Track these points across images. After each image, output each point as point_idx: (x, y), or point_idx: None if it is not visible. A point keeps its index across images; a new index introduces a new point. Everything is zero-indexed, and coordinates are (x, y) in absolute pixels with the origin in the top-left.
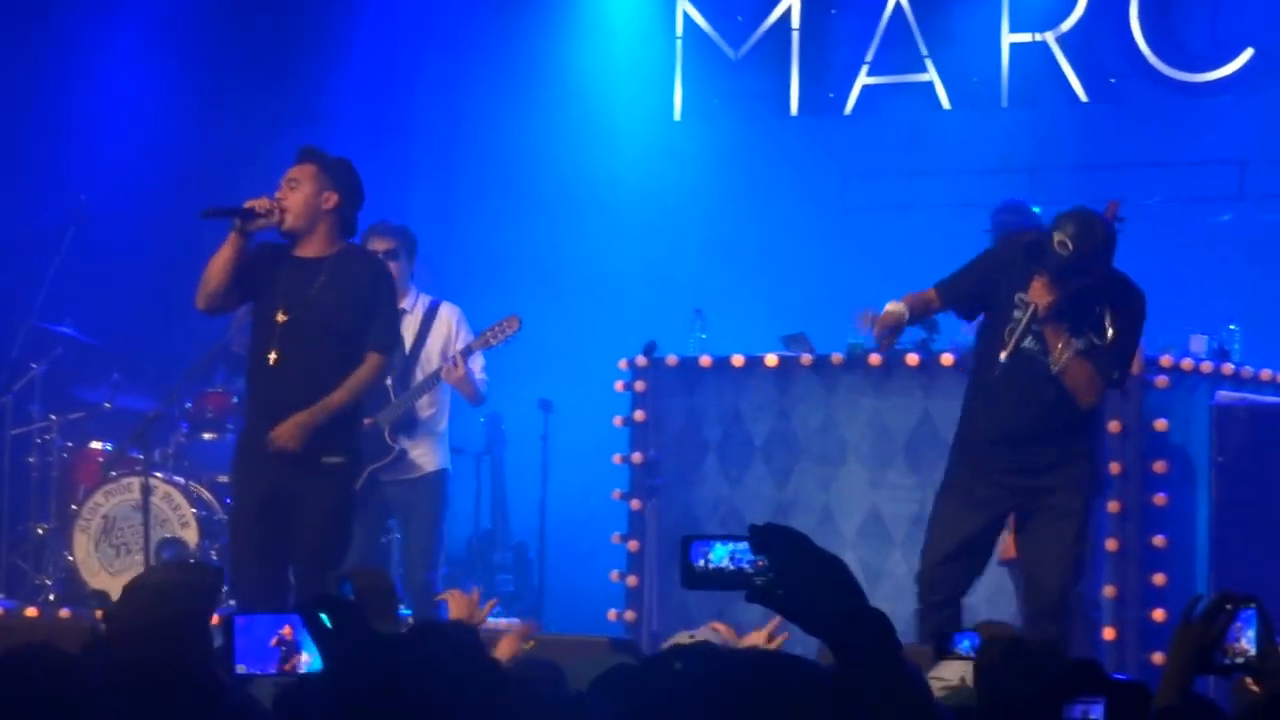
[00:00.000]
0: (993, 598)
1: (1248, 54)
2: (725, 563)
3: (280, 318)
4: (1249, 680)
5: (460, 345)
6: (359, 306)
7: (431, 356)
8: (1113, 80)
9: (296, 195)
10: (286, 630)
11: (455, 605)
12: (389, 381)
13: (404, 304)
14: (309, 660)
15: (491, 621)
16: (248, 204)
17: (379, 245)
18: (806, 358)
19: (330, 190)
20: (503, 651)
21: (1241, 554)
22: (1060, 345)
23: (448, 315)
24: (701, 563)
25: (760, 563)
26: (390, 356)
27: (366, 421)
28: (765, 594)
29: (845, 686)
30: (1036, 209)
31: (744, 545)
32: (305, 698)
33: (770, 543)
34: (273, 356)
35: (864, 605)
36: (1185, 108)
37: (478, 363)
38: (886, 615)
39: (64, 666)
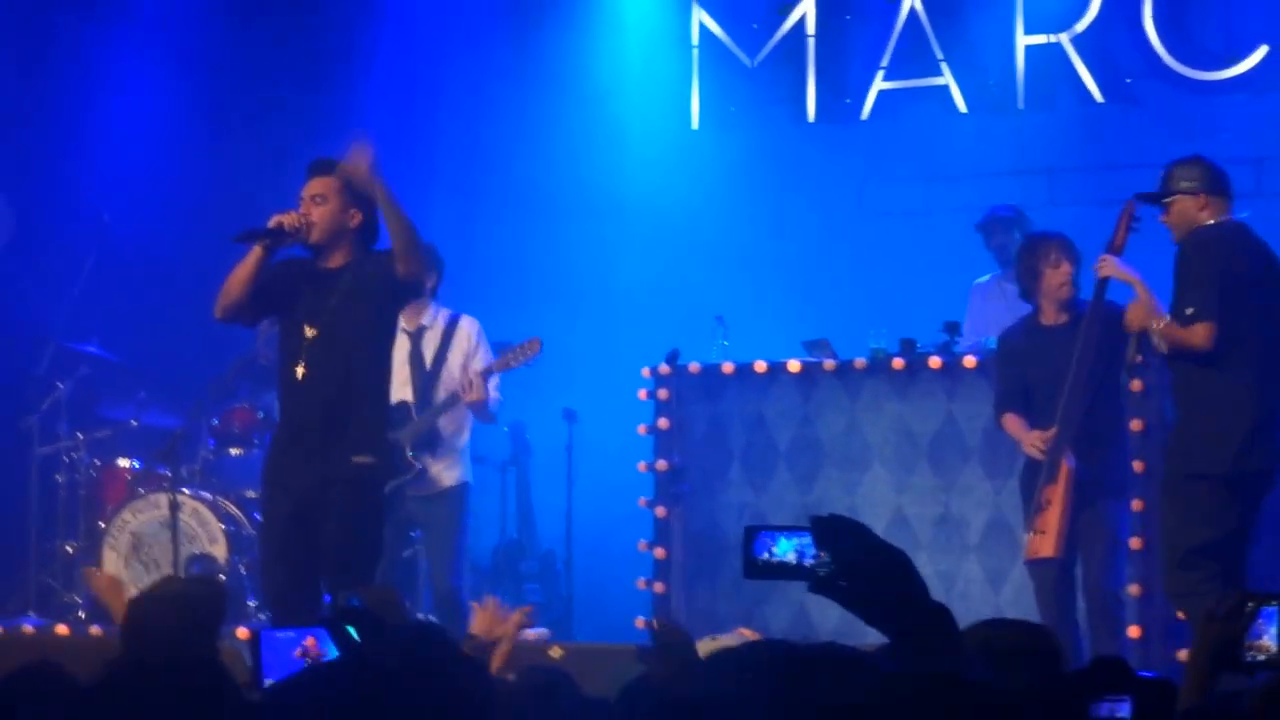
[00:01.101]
0: (1018, 597)
1: (1262, 51)
2: (789, 556)
3: (309, 332)
4: None
5: (480, 363)
6: (377, 309)
7: (453, 371)
8: (1128, 80)
9: (323, 210)
10: (310, 641)
11: (477, 618)
12: (410, 399)
13: (424, 320)
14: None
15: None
16: (274, 222)
17: None
18: (829, 363)
19: (355, 207)
20: (499, 659)
21: (1264, 552)
22: None
23: (467, 329)
24: (766, 555)
25: (822, 555)
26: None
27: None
28: (827, 585)
29: (901, 682)
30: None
31: (808, 538)
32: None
33: (834, 535)
34: (300, 371)
35: (927, 598)
36: (1201, 106)
37: (493, 382)
38: (949, 610)
39: (69, 691)
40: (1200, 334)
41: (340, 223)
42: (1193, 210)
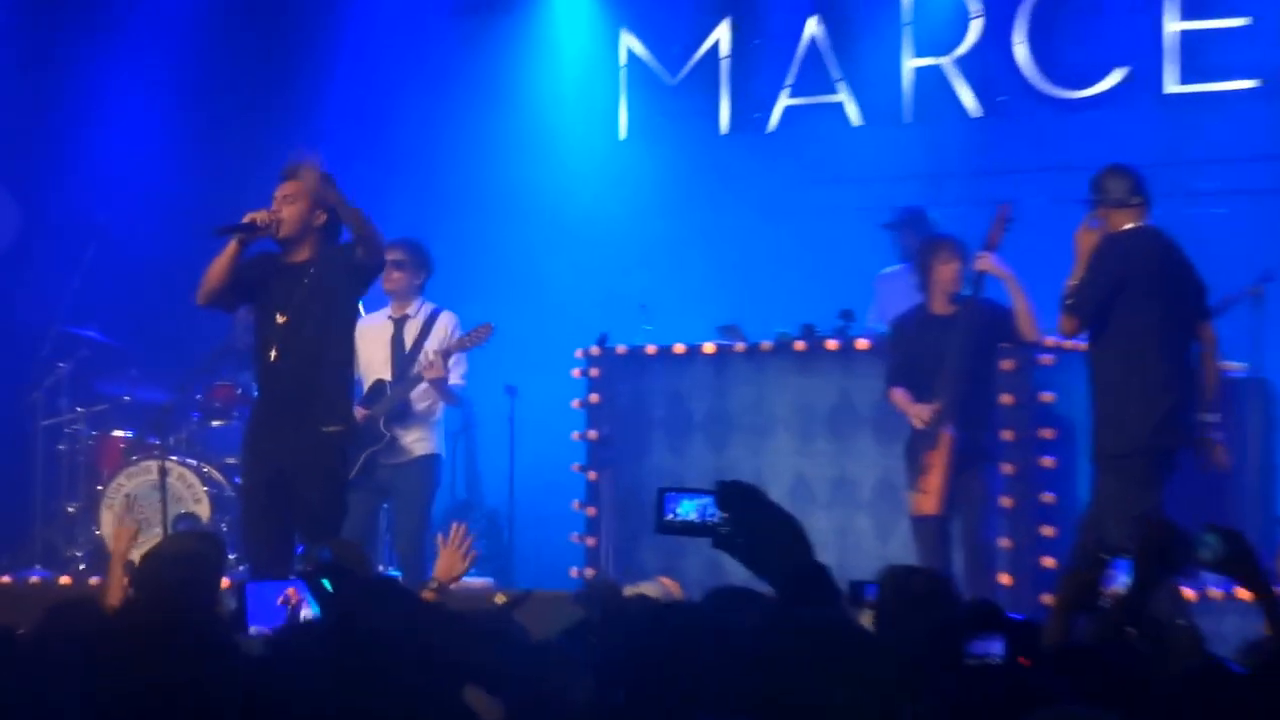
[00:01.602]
0: (903, 548)
1: (1119, 73)
2: (692, 515)
3: (280, 319)
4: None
5: (437, 345)
6: (341, 297)
7: (429, 356)
8: (1001, 98)
9: (292, 209)
10: (291, 591)
11: (441, 558)
12: (388, 378)
13: (409, 310)
14: (312, 616)
15: (466, 581)
16: (248, 219)
17: (394, 254)
18: (739, 345)
19: (320, 207)
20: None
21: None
22: None
23: (446, 321)
24: (673, 514)
25: (724, 516)
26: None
27: (363, 413)
28: (726, 543)
29: (787, 624)
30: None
31: (709, 500)
32: (296, 645)
33: (733, 499)
34: (273, 354)
35: (811, 558)
36: (1065, 120)
37: (460, 369)
38: (828, 568)
39: (101, 619)
40: (1066, 323)
41: (307, 220)
42: (1113, 216)
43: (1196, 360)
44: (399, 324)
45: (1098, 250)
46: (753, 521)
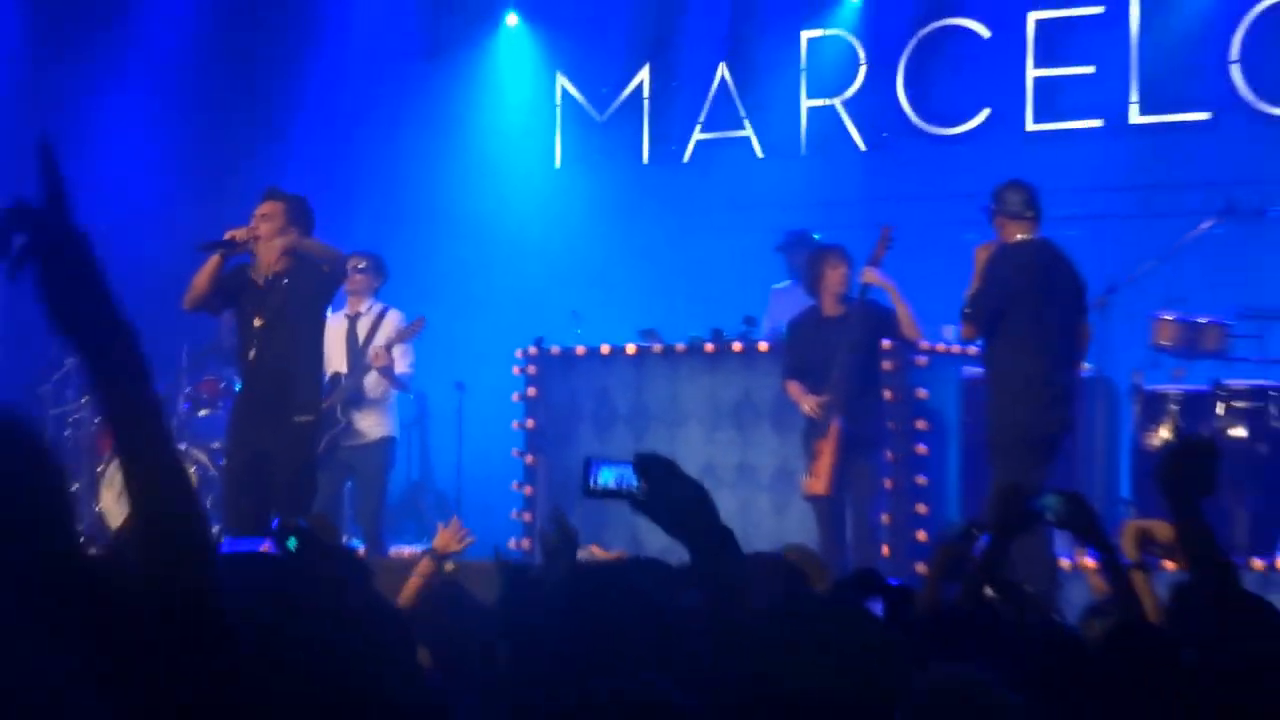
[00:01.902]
0: (797, 524)
1: (985, 113)
2: (612, 483)
3: (258, 323)
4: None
5: (388, 338)
6: (310, 304)
7: (377, 349)
8: (884, 134)
9: (268, 227)
10: (264, 548)
11: (440, 535)
12: (344, 370)
13: (362, 308)
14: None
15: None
16: (228, 235)
17: (354, 262)
18: (657, 347)
19: (293, 226)
20: (414, 584)
21: (983, 490)
22: None
23: (393, 319)
24: (593, 481)
25: (641, 483)
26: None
27: (325, 403)
28: (643, 507)
29: (696, 578)
30: (816, 235)
31: (627, 468)
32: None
33: (649, 468)
34: (252, 354)
35: (717, 520)
36: (939, 154)
37: (408, 358)
38: (732, 530)
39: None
40: (965, 330)
41: (281, 234)
42: (1007, 226)
43: (1076, 357)
44: (353, 320)
45: (990, 262)
46: (666, 487)
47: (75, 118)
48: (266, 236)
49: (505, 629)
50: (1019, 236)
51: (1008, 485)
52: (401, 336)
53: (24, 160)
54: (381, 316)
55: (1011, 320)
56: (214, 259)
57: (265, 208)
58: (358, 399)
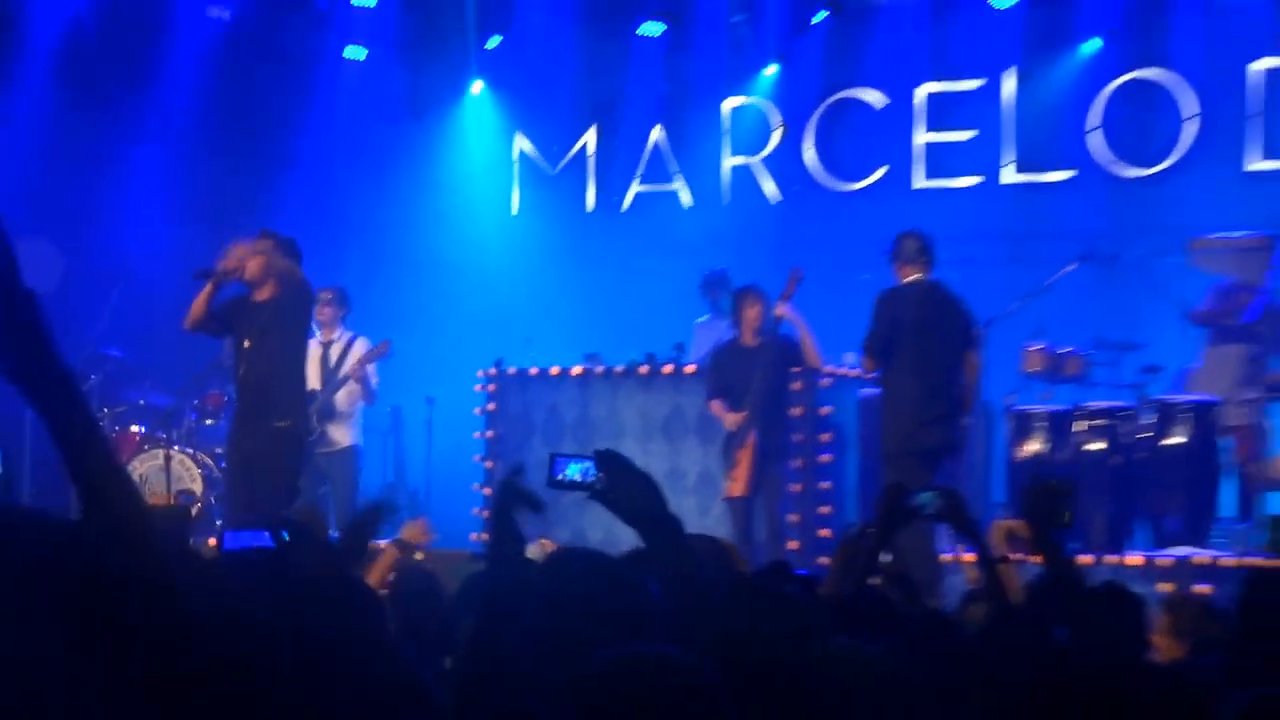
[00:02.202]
0: (718, 522)
1: (880, 171)
2: (576, 475)
3: (247, 344)
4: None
5: (357, 359)
6: (291, 327)
7: (351, 368)
8: (794, 188)
9: (255, 264)
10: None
11: (408, 528)
12: (319, 388)
13: (334, 336)
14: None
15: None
16: (220, 266)
17: (323, 295)
18: (599, 369)
19: (283, 258)
20: (380, 568)
21: (877, 493)
22: None
23: (360, 344)
24: (561, 474)
25: (600, 475)
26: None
27: None
28: (602, 497)
29: (646, 559)
30: (731, 276)
31: (589, 463)
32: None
33: (607, 462)
34: (243, 370)
35: (665, 509)
36: (841, 206)
37: (374, 376)
38: (679, 518)
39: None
40: (865, 364)
41: (266, 270)
42: (904, 269)
43: (961, 382)
44: (326, 346)
45: (883, 301)
46: (622, 479)
47: (107, 166)
48: (252, 270)
49: (479, 608)
50: (912, 278)
51: (891, 485)
52: (370, 356)
53: (66, 209)
54: (351, 342)
55: (900, 349)
56: (207, 288)
57: (261, 244)
58: (330, 413)
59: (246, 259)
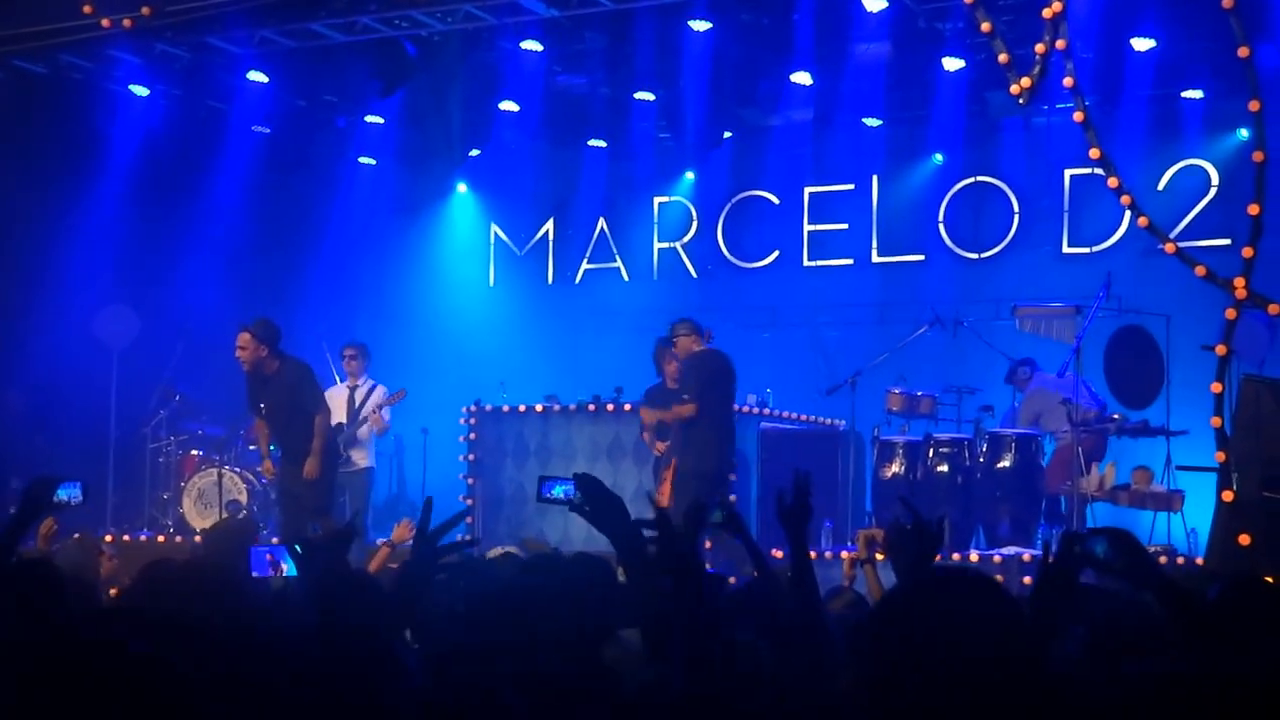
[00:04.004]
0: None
1: (775, 253)
2: (559, 494)
3: (263, 407)
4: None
5: (375, 403)
6: (292, 397)
7: (369, 410)
8: (709, 266)
9: (246, 354)
10: (269, 556)
11: (397, 530)
12: (344, 420)
13: (358, 383)
14: (286, 570)
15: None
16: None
17: (349, 351)
18: (557, 406)
19: (262, 344)
20: (376, 561)
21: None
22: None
23: (379, 391)
24: (549, 493)
25: (579, 494)
26: (321, 413)
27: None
28: (580, 511)
29: (620, 562)
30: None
31: (570, 484)
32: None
33: (584, 484)
34: (272, 426)
35: (629, 521)
36: (744, 281)
37: (388, 415)
38: (641, 529)
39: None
40: (690, 408)
41: (257, 355)
42: (688, 343)
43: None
44: (352, 390)
45: (692, 365)
46: (596, 498)
47: (174, 247)
48: (246, 359)
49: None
50: (696, 348)
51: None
52: (389, 402)
53: (142, 280)
54: (372, 389)
55: (704, 398)
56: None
57: (241, 339)
58: (352, 441)
59: (239, 353)
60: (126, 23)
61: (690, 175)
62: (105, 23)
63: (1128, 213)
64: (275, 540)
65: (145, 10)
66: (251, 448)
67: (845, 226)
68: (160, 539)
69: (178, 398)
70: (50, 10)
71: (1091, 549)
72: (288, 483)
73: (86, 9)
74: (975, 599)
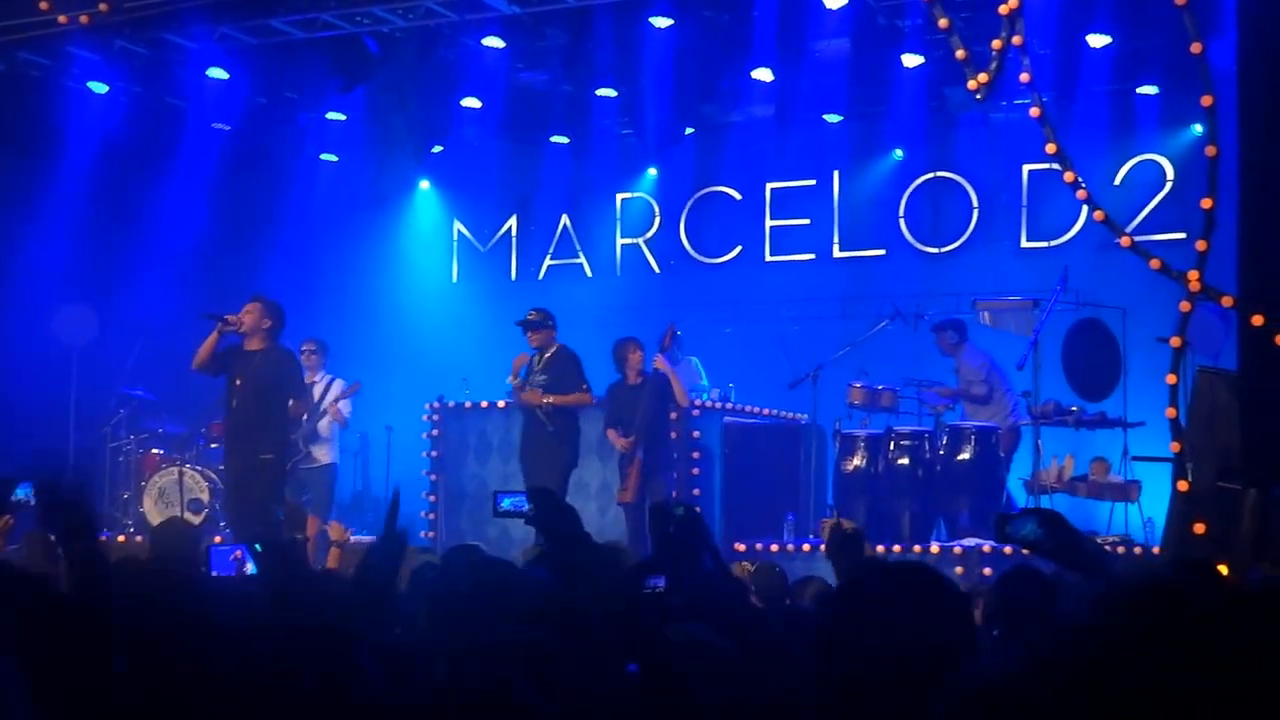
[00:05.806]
0: (614, 522)
1: (737, 249)
2: (510, 506)
3: (238, 383)
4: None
5: (335, 396)
6: (275, 378)
7: (328, 404)
8: (672, 262)
9: (250, 318)
10: (238, 554)
11: (333, 530)
12: (304, 415)
13: (316, 378)
14: (249, 568)
15: (355, 538)
16: (227, 316)
17: (307, 346)
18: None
19: (268, 318)
20: (332, 555)
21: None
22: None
23: (338, 383)
24: (503, 505)
25: (530, 506)
26: (301, 399)
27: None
28: (532, 521)
29: (560, 562)
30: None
31: (521, 497)
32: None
33: (536, 497)
34: (234, 404)
35: (580, 529)
36: (707, 276)
37: (348, 408)
38: (591, 535)
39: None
40: (588, 396)
41: (258, 326)
42: (548, 333)
43: None
44: (310, 386)
45: (564, 357)
46: (547, 508)
47: (132, 245)
48: (248, 324)
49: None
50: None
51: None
52: (345, 394)
53: (100, 278)
54: (330, 383)
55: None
56: (213, 335)
57: (252, 305)
58: (313, 437)
59: (244, 317)
60: (84, 19)
61: (653, 171)
62: (62, 19)
63: (1084, 207)
64: (222, 524)
65: (103, 6)
66: (213, 445)
67: (807, 222)
68: (120, 539)
69: (137, 397)
70: (6, 6)
71: (1019, 529)
72: (239, 469)
73: (43, 4)
74: (914, 589)
